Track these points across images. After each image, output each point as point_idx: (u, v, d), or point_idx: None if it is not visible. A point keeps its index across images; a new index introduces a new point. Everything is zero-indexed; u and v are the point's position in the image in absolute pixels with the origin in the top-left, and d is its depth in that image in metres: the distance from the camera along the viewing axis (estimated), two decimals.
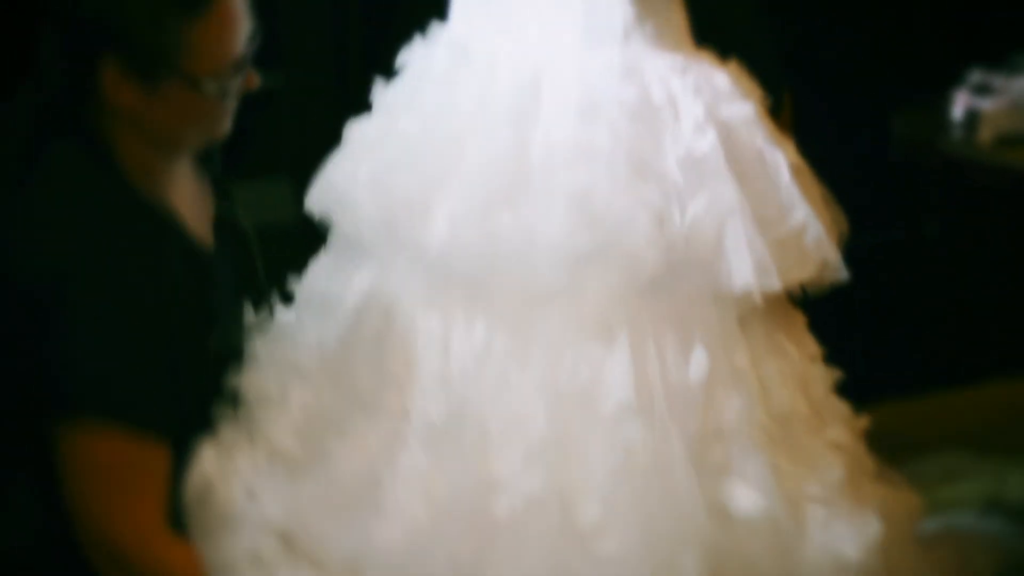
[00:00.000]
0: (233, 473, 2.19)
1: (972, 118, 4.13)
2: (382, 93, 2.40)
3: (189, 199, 2.37)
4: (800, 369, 2.31)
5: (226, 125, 2.31)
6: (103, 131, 2.22)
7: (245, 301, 2.38)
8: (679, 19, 2.35)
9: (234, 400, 2.27)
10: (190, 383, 2.22)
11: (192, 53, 2.18)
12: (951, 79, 4.29)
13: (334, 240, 2.40)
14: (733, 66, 2.36)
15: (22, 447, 2.22)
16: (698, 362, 2.16)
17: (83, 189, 2.19)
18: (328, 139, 2.44)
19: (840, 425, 2.33)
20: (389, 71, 2.44)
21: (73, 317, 2.12)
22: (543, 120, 2.20)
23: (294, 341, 2.30)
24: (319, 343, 2.28)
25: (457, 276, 2.19)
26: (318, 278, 2.39)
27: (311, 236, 2.43)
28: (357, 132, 2.39)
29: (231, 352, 2.31)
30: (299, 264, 2.45)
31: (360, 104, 2.43)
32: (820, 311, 2.41)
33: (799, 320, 2.38)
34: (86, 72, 2.18)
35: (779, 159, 2.29)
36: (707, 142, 2.19)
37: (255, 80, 2.28)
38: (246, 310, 2.37)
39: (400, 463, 2.15)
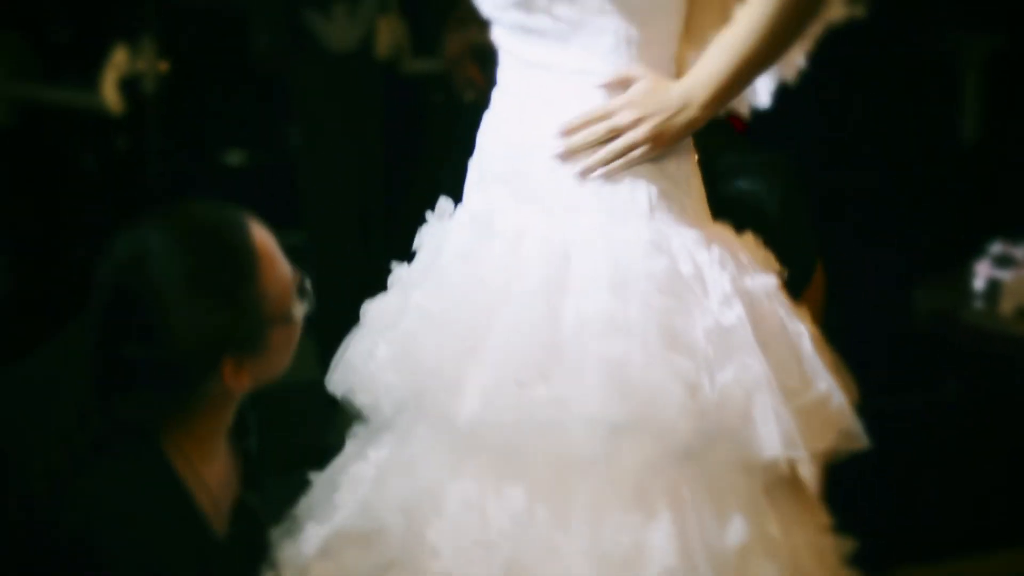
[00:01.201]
0: None
1: (993, 289, 4.14)
2: (398, 271, 2.43)
3: (217, 481, 2.45)
4: (816, 539, 2.30)
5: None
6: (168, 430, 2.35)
7: None
8: (699, 192, 2.36)
9: None
10: None
11: (275, 301, 2.36)
12: (972, 250, 4.31)
13: (358, 429, 2.43)
14: (749, 238, 2.37)
15: None
16: (736, 530, 2.16)
17: (138, 482, 2.31)
18: (350, 298, 2.45)
19: None
20: (410, 233, 2.47)
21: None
22: (573, 293, 2.21)
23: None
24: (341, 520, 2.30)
25: (489, 445, 2.19)
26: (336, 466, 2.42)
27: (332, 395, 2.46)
28: (374, 311, 2.41)
29: None
30: (320, 420, 2.46)
31: (381, 266, 2.45)
32: (838, 475, 2.41)
33: (810, 489, 2.37)
34: (197, 385, 2.32)
35: (801, 329, 2.29)
36: (734, 314, 2.21)
37: None
38: None
39: None
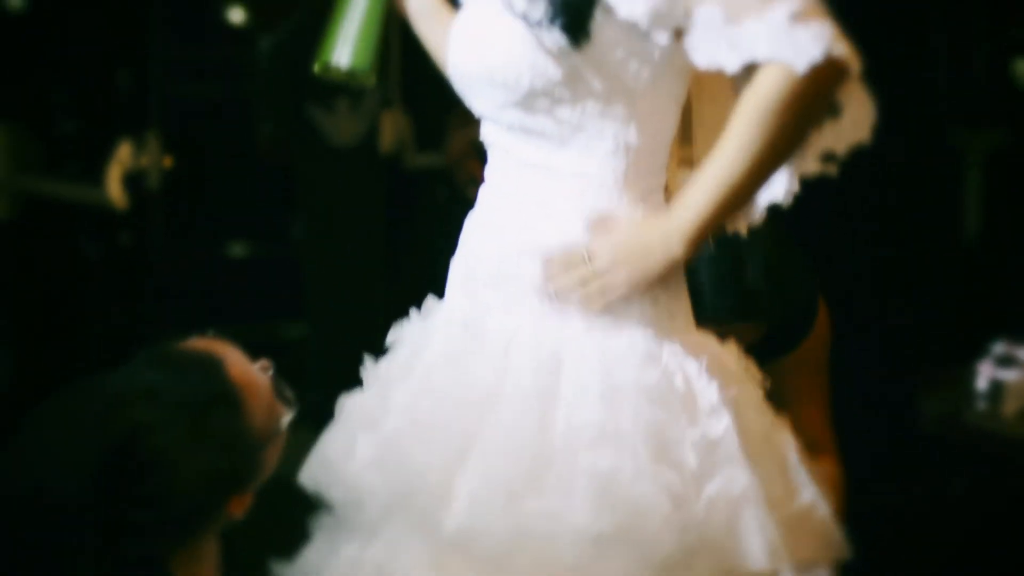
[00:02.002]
0: None
1: (996, 390, 4.13)
2: (375, 367, 2.43)
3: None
4: None
5: None
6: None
7: None
8: (686, 299, 2.36)
9: None
10: None
11: (264, 426, 2.34)
12: (975, 350, 4.30)
13: (325, 520, 2.41)
14: (733, 347, 2.37)
15: None
16: None
17: None
18: (353, 389, 2.45)
19: None
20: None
21: None
22: (564, 402, 2.21)
23: None
24: None
25: (474, 553, 2.18)
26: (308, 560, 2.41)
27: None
28: (352, 406, 2.41)
29: None
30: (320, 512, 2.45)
31: (383, 352, 2.45)
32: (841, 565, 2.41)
33: None
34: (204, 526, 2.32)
35: (785, 439, 2.31)
36: (721, 425, 2.21)
37: None
38: None
39: None
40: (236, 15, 6.95)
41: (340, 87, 5.45)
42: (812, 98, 2.11)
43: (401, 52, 5.13)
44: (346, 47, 2.54)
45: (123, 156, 4.48)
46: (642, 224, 2.24)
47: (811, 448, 2.67)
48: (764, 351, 2.42)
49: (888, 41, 5.71)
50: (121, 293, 5.39)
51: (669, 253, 2.20)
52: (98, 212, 4.89)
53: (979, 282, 5.13)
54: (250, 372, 2.34)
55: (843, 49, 2.08)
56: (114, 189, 4.48)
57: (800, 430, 2.57)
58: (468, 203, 2.46)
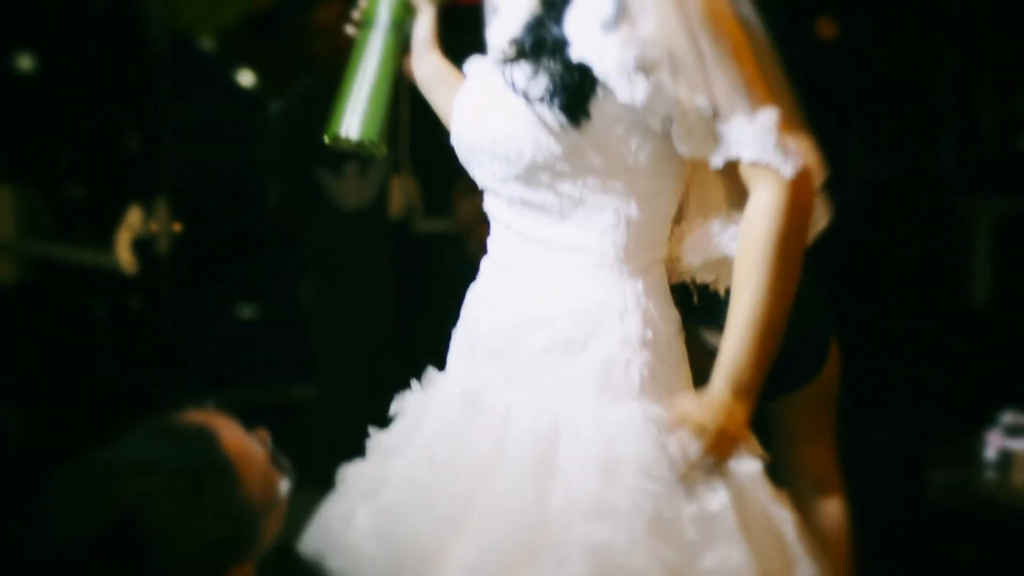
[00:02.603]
0: None
1: (1006, 459, 4.11)
2: (376, 437, 2.44)
3: None
4: None
5: None
6: None
7: None
8: (686, 371, 2.37)
9: None
10: None
11: (261, 496, 2.33)
12: (983, 419, 4.29)
13: None
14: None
15: None
16: None
17: None
18: (359, 454, 2.45)
19: None
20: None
21: None
22: (562, 474, 2.23)
23: None
24: None
25: None
26: None
27: None
28: (352, 476, 2.42)
29: None
30: None
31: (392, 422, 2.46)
32: None
33: None
34: None
35: (784, 515, 2.32)
36: (719, 500, 2.23)
37: None
38: None
39: None
40: (245, 78, 6.97)
41: (349, 152, 5.46)
42: (803, 208, 2.18)
43: (410, 117, 5.14)
44: (356, 119, 2.55)
45: (133, 221, 4.49)
46: (702, 402, 2.25)
47: (819, 485, 2.68)
48: (775, 386, 2.45)
49: (896, 109, 5.73)
50: (130, 355, 5.39)
51: (736, 408, 2.22)
52: (107, 276, 4.90)
53: (987, 350, 5.12)
54: (245, 443, 2.34)
55: (813, 163, 2.21)
56: (124, 254, 4.48)
57: (808, 467, 2.59)
58: (477, 269, 2.47)
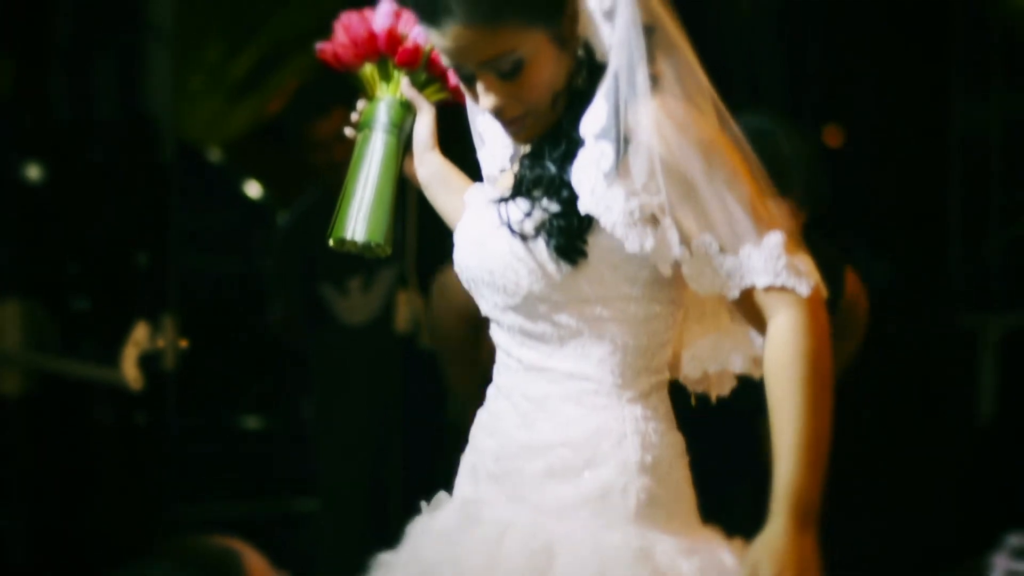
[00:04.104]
0: None
1: None
2: (383, 557, 2.46)
3: None
4: None
5: None
6: None
7: None
8: (689, 496, 2.37)
9: None
10: None
11: None
12: (989, 541, 4.27)
13: None
14: (739, 543, 2.37)
15: None
16: None
17: None
18: (362, 567, 2.45)
19: None
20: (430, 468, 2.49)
21: None
22: None
23: None
24: None
25: None
26: None
27: None
28: None
29: None
30: None
31: (397, 537, 2.46)
32: None
33: None
34: None
35: None
36: None
37: None
38: None
39: None
40: (253, 189, 7.02)
41: (353, 268, 5.48)
42: (824, 322, 2.19)
43: (417, 232, 5.17)
44: (360, 221, 2.55)
45: (139, 338, 4.50)
46: (762, 543, 2.22)
47: None
48: None
49: (902, 222, 5.75)
50: (135, 468, 5.38)
51: (795, 535, 2.20)
52: (113, 390, 4.90)
53: (993, 470, 5.11)
54: (268, 572, 2.35)
55: (818, 276, 2.22)
56: (130, 371, 4.49)
57: None
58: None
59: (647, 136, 2.20)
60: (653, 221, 2.21)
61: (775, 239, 2.19)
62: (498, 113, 2.32)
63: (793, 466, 2.18)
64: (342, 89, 2.81)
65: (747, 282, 2.21)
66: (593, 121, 2.24)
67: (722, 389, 2.50)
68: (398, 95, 2.63)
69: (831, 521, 2.74)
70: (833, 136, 6.07)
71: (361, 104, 2.68)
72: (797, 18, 5.98)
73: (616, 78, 2.23)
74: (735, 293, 2.24)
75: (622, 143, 2.21)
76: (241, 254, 6.83)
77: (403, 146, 2.65)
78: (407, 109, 2.64)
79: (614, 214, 2.21)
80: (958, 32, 5.90)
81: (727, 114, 2.33)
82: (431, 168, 2.67)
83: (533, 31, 2.25)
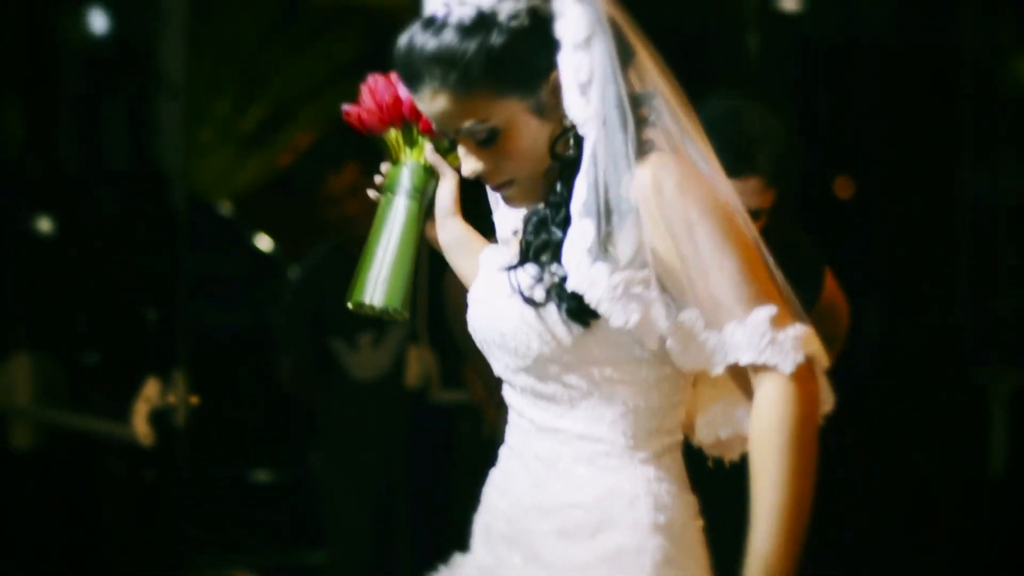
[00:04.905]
0: None
1: None
2: None
3: None
4: None
5: None
6: None
7: None
8: (702, 555, 2.37)
9: None
10: None
11: None
12: None
13: None
14: None
15: None
16: None
17: None
18: None
19: None
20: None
21: None
22: None
23: None
24: None
25: None
26: None
27: None
28: None
29: None
30: None
31: None
32: None
33: None
34: None
35: None
36: None
37: None
38: None
39: None
40: (263, 242, 7.04)
41: (363, 323, 5.49)
42: (808, 395, 2.17)
43: (428, 288, 5.17)
44: (379, 286, 2.55)
45: (150, 394, 4.50)
46: None
47: None
48: None
49: (912, 275, 5.75)
50: (145, 522, 5.38)
51: None
52: (123, 445, 4.90)
53: (1005, 524, 5.09)
54: None
55: (817, 346, 2.17)
56: (141, 426, 4.48)
57: None
58: (491, 442, 2.49)
59: (632, 211, 2.20)
60: (639, 296, 2.21)
61: (761, 315, 2.16)
62: (481, 179, 2.33)
63: (768, 536, 2.17)
64: (354, 145, 2.81)
65: (731, 359, 2.20)
66: (576, 196, 2.25)
67: (734, 454, 2.49)
68: (422, 160, 2.63)
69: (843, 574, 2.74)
70: (844, 188, 6.08)
71: (385, 167, 2.68)
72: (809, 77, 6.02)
73: (594, 153, 2.23)
74: (719, 369, 2.23)
75: (602, 219, 2.21)
76: (251, 307, 6.84)
77: (425, 211, 2.65)
78: (430, 174, 2.64)
79: (599, 290, 2.20)
80: (966, 95, 5.92)
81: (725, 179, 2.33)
82: (452, 233, 2.67)
83: (507, 101, 2.25)
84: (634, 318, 2.20)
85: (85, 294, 5.47)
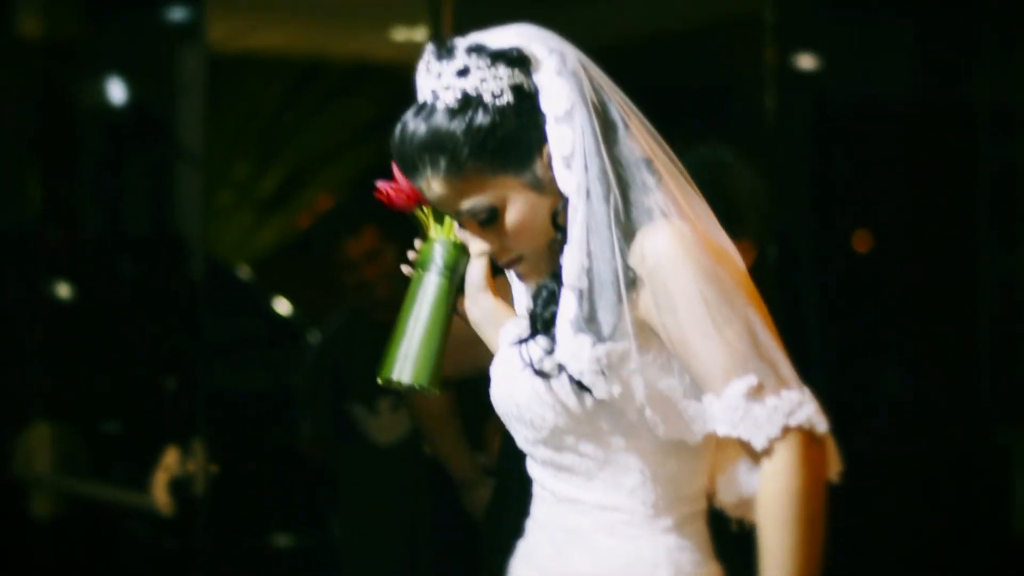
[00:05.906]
0: None
1: None
2: None
3: None
4: None
5: None
6: None
7: None
8: None
9: None
10: None
11: None
12: None
13: None
14: None
15: None
16: None
17: None
18: None
19: None
20: None
21: None
22: None
23: None
24: None
25: None
26: None
27: None
28: None
29: None
30: None
31: None
32: None
33: None
34: None
35: None
36: None
37: None
38: None
39: None
40: (282, 306, 7.04)
41: (383, 388, 5.47)
42: (807, 469, 2.15)
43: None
44: (408, 363, 2.53)
45: (169, 463, 4.51)
46: None
47: None
48: None
49: (934, 337, 5.74)
50: None
51: None
52: (143, 513, 4.91)
53: None
54: None
55: (808, 413, 2.12)
56: (160, 496, 4.50)
57: None
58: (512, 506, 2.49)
59: (615, 282, 2.20)
60: (618, 368, 2.20)
61: (738, 388, 2.13)
62: (492, 257, 2.34)
63: None
64: (372, 208, 2.81)
65: (709, 428, 2.20)
66: (564, 268, 2.25)
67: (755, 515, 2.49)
68: (452, 237, 2.63)
69: None
70: (863, 243, 6.08)
71: (418, 243, 2.68)
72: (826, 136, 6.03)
73: (583, 223, 2.22)
74: (698, 439, 2.23)
75: (586, 291, 2.21)
76: (270, 371, 6.85)
77: (456, 287, 2.64)
78: (461, 251, 2.63)
79: (581, 362, 2.20)
80: (984, 173, 5.93)
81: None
82: (483, 309, 2.65)
83: (502, 178, 2.26)
84: (616, 389, 2.20)
85: (104, 361, 5.49)
